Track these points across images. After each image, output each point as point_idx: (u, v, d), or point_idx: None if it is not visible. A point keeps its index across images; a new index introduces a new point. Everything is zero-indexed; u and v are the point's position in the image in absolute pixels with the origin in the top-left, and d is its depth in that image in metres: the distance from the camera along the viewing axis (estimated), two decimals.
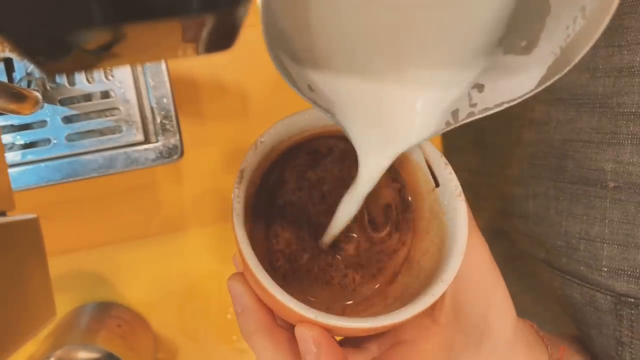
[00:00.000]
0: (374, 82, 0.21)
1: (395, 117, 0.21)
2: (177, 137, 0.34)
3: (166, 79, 0.34)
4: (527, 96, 0.19)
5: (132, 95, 0.34)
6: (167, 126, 0.34)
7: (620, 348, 0.31)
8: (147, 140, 0.34)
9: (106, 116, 0.34)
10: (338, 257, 0.28)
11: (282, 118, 0.25)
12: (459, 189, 0.25)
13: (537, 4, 0.19)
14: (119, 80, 0.34)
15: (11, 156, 0.33)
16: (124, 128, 0.34)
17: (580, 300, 0.33)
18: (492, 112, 0.20)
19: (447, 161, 0.25)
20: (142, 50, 0.14)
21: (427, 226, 0.26)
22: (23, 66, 0.32)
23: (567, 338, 0.35)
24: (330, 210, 0.25)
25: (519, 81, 0.20)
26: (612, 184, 0.30)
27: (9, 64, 0.32)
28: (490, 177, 0.43)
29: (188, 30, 0.12)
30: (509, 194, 0.39)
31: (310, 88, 0.20)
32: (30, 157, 0.33)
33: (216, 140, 0.43)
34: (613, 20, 0.30)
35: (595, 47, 0.30)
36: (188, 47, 0.14)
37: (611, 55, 0.30)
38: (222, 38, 0.13)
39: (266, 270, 0.22)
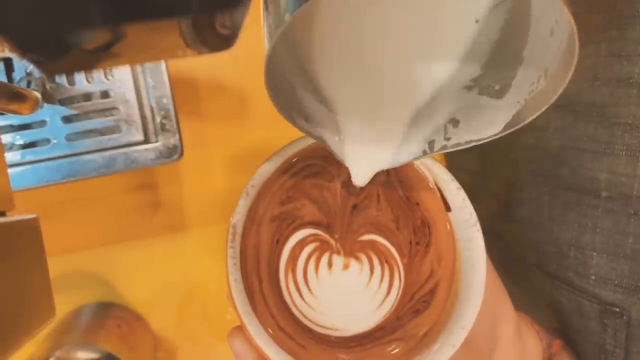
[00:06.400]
0: (365, 116, 0.23)
1: (379, 143, 0.24)
2: (177, 137, 0.34)
3: (166, 78, 0.34)
4: (492, 138, 0.21)
5: (131, 95, 0.34)
6: (167, 126, 0.34)
7: (603, 355, 0.31)
8: (146, 140, 0.34)
9: (106, 116, 0.34)
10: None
11: (267, 158, 0.24)
12: (474, 217, 0.24)
13: (512, 52, 0.20)
14: (119, 80, 0.34)
15: (11, 156, 0.33)
16: (124, 128, 0.34)
17: (568, 306, 0.33)
18: (462, 147, 0.22)
19: (459, 186, 0.25)
20: (141, 50, 0.14)
21: (443, 247, 0.25)
22: (23, 66, 0.32)
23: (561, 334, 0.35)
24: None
25: (488, 122, 0.21)
26: (605, 194, 0.30)
27: (8, 63, 0.32)
28: (486, 178, 0.43)
29: (188, 30, 0.12)
30: (504, 197, 0.39)
31: (306, 120, 0.22)
32: (29, 157, 0.33)
33: (216, 140, 0.43)
34: (613, 29, 0.30)
35: (596, 56, 0.30)
36: (188, 47, 0.14)
37: (611, 65, 0.30)
38: (222, 38, 0.13)
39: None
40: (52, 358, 0.34)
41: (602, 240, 0.30)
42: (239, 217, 0.23)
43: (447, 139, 0.23)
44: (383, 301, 0.25)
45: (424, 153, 0.23)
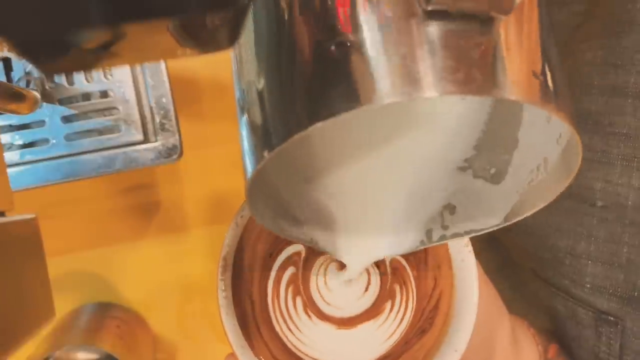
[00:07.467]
0: (355, 211, 0.22)
1: (372, 239, 0.23)
2: (177, 136, 0.34)
3: (165, 78, 0.34)
4: (492, 229, 0.20)
5: (131, 95, 0.34)
6: (166, 126, 0.34)
7: None
8: (146, 140, 0.34)
9: (105, 116, 0.34)
10: None
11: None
12: (466, 238, 0.24)
13: (505, 133, 0.19)
14: (118, 79, 0.34)
15: (10, 156, 0.32)
16: (123, 127, 0.34)
17: (564, 312, 0.33)
18: (462, 237, 0.21)
19: None
20: (141, 50, 0.14)
21: (438, 250, 0.25)
22: (22, 65, 0.32)
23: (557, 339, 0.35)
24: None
25: (487, 211, 0.20)
26: (600, 203, 0.30)
27: (7, 63, 0.32)
28: None
29: (188, 30, 0.12)
30: None
31: (293, 222, 0.21)
32: (29, 157, 0.33)
33: (216, 140, 0.43)
34: (612, 37, 0.29)
35: (592, 64, 0.30)
36: (187, 47, 0.13)
37: (606, 73, 0.30)
38: (222, 37, 0.13)
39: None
40: (51, 358, 0.34)
41: (597, 249, 0.30)
42: (228, 249, 0.23)
43: (445, 228, 0.22)
44: (394, 332, 0.24)
45: (422, 244, 0.22)
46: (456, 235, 0.21)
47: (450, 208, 0.22)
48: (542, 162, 0.18)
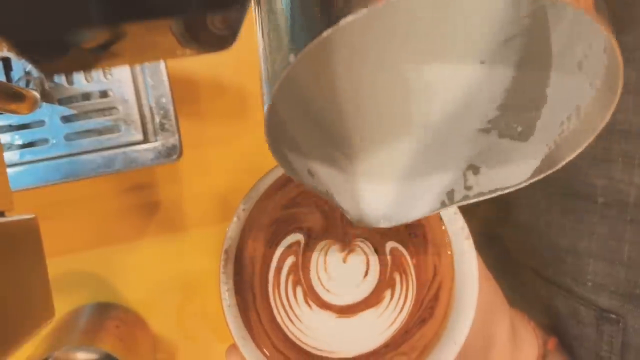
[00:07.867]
0: (372, 166, 0.22)
1: (392, 198, 0.22)
2: (176, 136, 0.34)
3: (165, 78, 0.34)
4: (520, 186, 0.19)
5: (130, 95, 0.34)
6: (166, 126, 0.34)
7: None
8: (146, 140, 0.34)
9: (105, 115, 0.34)
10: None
11: (260, 178, 0.24)
12: (467, 230, 0.24)
13: (533, 90, 0.18)
14: (118, 79, 0.34)
15: (9, 156, 0.32)
16: (123, 127, 0.34)
17: (565, 311, 0.33)
18: (486, 197, 0.20)
19: None
20: (140, 49, 0.14)
21: (437, 236, 0.25)
22: (21, 65, 0.32)
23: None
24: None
25: (513, 169, 0.20)
26: (601, 200, 0.30)
27: (7, 63, 0.32)
28: None
29: (187, 30, 0.12)
30: (503, 201, 0.39)
31: (310, 173, 0.21)
32: (28, 157, 0.33)
33: (215, 140, 0.43)
34: None
35: None
36: (186, 47, 0.13)
37: None
38: (221, 38, 0.13)
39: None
40: (51, 359, 0.34)
41: (599, 247, 0.30)
42: (230, 242, 0.24)
43: (468, 188, 0.21)
44: (394, 321, 0.24)
45: (443, 205, 0.21)
46: (480, 195, 0.20)
47: (473, 168, 0.21)
48: (574, 112, 0.17)
